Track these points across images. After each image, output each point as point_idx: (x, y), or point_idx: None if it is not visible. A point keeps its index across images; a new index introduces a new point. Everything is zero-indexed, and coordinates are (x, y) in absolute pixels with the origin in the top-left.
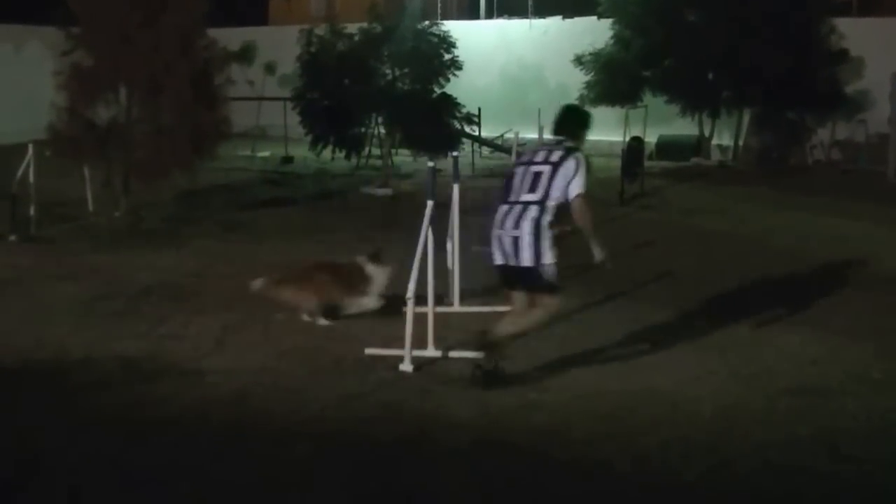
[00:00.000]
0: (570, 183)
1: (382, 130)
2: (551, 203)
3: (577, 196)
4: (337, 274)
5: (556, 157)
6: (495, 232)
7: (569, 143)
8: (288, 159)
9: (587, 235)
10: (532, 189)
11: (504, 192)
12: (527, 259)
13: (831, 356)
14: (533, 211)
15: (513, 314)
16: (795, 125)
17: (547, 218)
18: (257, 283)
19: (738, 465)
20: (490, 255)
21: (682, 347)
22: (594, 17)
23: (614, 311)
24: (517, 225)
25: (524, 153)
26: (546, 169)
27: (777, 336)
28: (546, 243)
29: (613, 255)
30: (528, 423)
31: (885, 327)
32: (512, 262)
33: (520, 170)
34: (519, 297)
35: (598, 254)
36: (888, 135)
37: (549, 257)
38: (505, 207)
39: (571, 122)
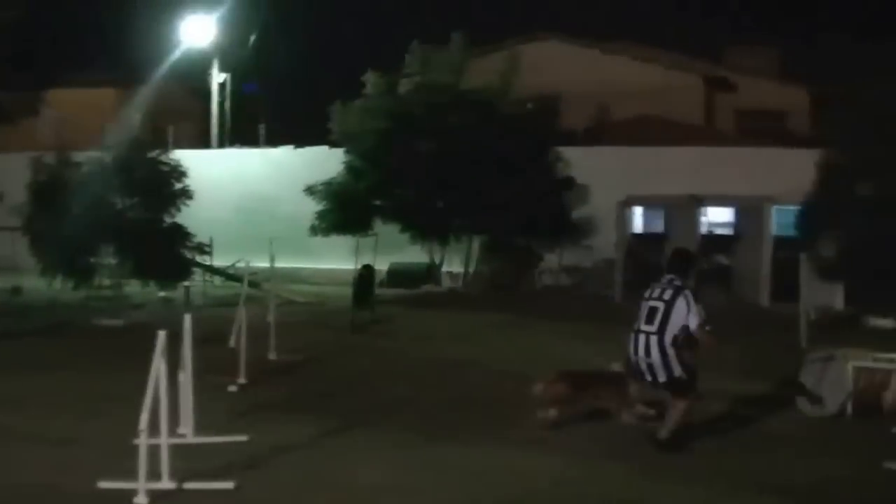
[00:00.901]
0: (688, 316)
1: (113, 260)
2: (669, 332)
3: (698, 327)
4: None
5: (667, 295)
6: (632, 357)
7: (677, 282)
8: (17, 290)
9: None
10: (650, 321)
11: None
12: (662, 377)
13: (588, 478)
14: (654, 339)
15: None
16: (524, 251)
17: (668, 342)
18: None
19: None
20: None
21: (422, 474)
22: (326, 147)
23: (352, 438)
24: (647, 353)
25: (647, 291)
26: (661, 305)
27: (532, 459)
28: (674, 361)
29: (350, 384)
30: None
31: (641, 445)
32: (649, 379)
33: (642, 304)
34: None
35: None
36: (614, 259)
37: (678, 370)
38: (632, 335)
39: (680, 263)
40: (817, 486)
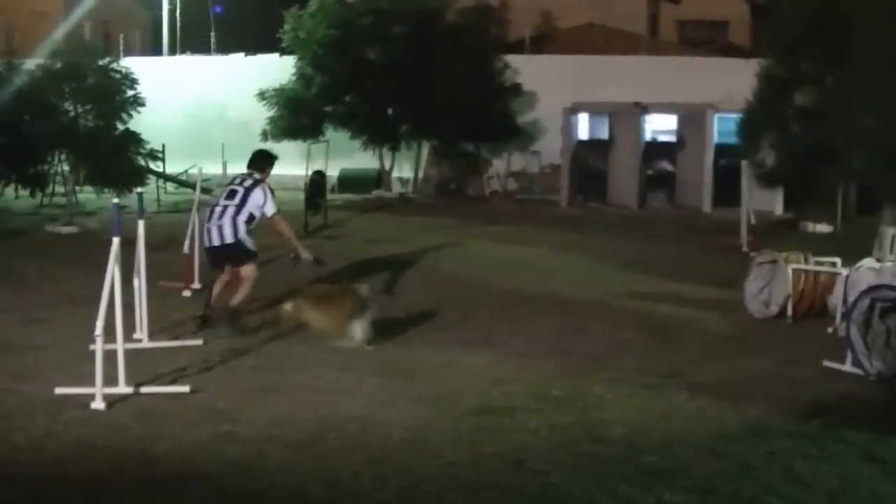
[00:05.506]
0: (264, 206)
1: (66, 167)
2: (245, 211)
3: (273, 215)
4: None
5: (247, 183)
6: (206, 226)
7: (257, 176)
8: None
9: (289, 241)
10: (230, 197)
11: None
12: (229, 237)
13: (513, 376)
14: (231, 209)
15: (228, 288)
16: (472, 157)
17: (242, 216)
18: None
19: (428, 485)
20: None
21: (370, 372)
22: (276, 55)
23: (303, 341)
24: (221, 218)
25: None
26: (240, 189)
27: (461, 358)
28: (242, 227)
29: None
30: (222, 455)
31: (562, 347)
32: (217, 243)
33: (221, 189)
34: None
35: (303, 253)
36: (560, 165)
37: (242, 232)
38: (209, 210)
39: (259, 161)
40: (749, 381)
